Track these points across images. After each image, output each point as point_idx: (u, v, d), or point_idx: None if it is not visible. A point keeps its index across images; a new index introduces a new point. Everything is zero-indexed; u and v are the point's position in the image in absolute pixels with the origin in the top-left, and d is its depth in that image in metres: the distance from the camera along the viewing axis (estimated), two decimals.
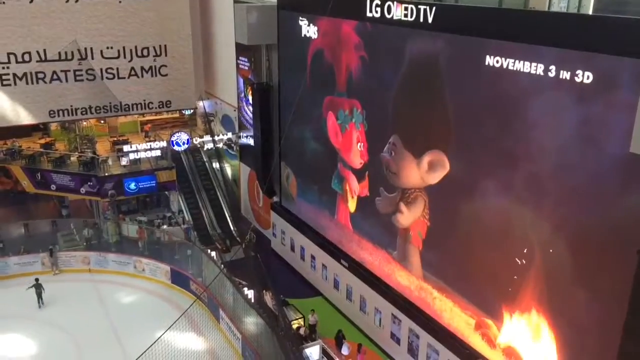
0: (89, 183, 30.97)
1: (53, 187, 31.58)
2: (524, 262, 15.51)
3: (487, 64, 15.58)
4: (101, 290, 26.52)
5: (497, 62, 15.28)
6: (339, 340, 20.86)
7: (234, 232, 32.18)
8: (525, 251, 15.45)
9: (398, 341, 20.87)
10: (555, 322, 15.00)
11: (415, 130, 19.06)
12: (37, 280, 25.19)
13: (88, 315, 24.44)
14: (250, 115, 30.26)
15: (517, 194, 15.50)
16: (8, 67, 29.03)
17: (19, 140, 33.09)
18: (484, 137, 16.30)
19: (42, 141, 33.51)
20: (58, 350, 22.07)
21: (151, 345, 15.35)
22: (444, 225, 18.41)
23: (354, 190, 22.70)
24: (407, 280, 20.32)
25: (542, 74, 14.17)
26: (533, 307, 15.48)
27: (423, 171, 18.62)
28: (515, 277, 15.85)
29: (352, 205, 22.93)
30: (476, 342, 17.52)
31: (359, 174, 22.35)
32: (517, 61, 14.76)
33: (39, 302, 25.04)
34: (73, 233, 30.48)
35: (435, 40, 17.42)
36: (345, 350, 20.35)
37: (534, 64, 14.35)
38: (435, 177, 18.18)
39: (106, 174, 31.11)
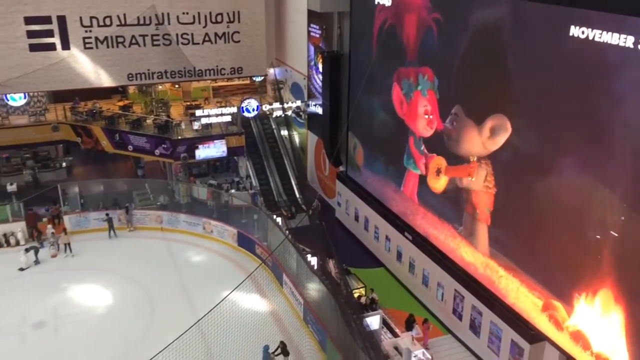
0: (163, 145, 32.15)
1: (130, 148, 33.03)
2: (599, 242, 14.86)
3: (571, 34, 14.75)
4: (172, 248, 27.72)
5: (583, 33, 14.43)
6: (410, 323, 20.60)
7: (299, 199, 32.62)
8: (600, 232, 14.79)
9: (460, 317, 20.69)
10: (629, 309, 14.37)
11: (477, 98, 18.68)
12: (107, 215, 28.12)
13: (160, 270, 25.68)
14: (320, 83, 30.23)
15: (597, 171, 14.77)
16: (91, 31, 30.20)
17: (100, 102, 34.63)
18: (561, 110, 15.58)
19: (121, 103, 34.94)
20: (132, 302, 23.37)
21: (218, 304, 15.95)
22: (514, 202, 17.89)
23: (423, 164, 22.37)
24: (472, 256, 19.99)
25: (631, 46, 13.28)
26: (605, 291, 14.87)
27: (485, 137, 18.24)
28: (588, 258, 15.25)
29: (441, 183, 21.68)
30: (542, 323, 17.09)
31: (428, 144, 21.97)
32: (604, 32, 13.89)
33: (109, 233, 27.92)
34: (147, 193, 31.88)
35: (509, 6, 16.77)
36: (414, 332, 20.19)
37: (622, 36, 13.46)
38: (497, 142, 17.84)
39: (179, 137, 32.15)
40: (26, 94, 32.48)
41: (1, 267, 25.46)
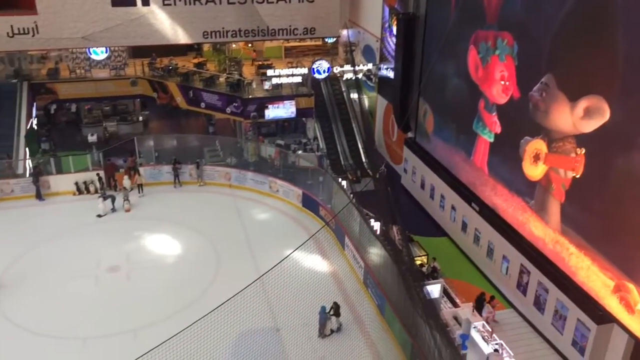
0: (234, 104, 32.70)
1: (202, 105, 33.84)
2: None
3: None
4: (239, 204, 28.44)
5: None
6: (480, 302, 20.14)
7: (365, 164, 32.48)
8: None
9: (524, 292, 20.14)
10: None
11: (574, 72, 17.37)
12: (174, 159, 29.35)
13: (226, 225, 26.47)
14: (393, 46, 29.53)
15: None
16: None
17: (176, 59, 35.49)
18: None
19: (196, 60, 35.67)
20: (199, 254, 24.29)
21: (281, 262, 16.23)
22: (593, 180, 16.93)
23: (494, 124, 21.52)
24: (543, 232, 19.26)
25: None
26: None
27: (577, 117, 17.07)
28: None
29: (538, 172, 19.40)
30: (612, 305, 16.36)
31: (501, 111, 21.10)
32: None
33: (175, 182, 29.21)
34: (217, 149, 32.69)
35: None
36: (484, 313, 19.78)
37: None
38: (590, 125, 16.61)
39: (250, 97, 32.56)
40: (107, 49, 33.68)
41: (81, 213, 27.04)
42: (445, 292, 20.92)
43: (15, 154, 30.24)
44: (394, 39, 29.05)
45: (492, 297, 20.32)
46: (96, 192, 28.28)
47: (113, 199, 27.23)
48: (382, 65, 32.03)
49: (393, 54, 29.47)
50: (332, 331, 19.61)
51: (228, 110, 33.09)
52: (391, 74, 30.07)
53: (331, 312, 19.47)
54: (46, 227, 25.94)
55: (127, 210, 27.25)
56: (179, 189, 29.66)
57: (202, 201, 28.75)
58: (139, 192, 28.27)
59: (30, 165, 30.50)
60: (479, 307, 20.03)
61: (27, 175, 29.45)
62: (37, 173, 28.30)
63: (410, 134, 29.18)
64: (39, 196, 28.13)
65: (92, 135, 34.45)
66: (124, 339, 19.13)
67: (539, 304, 19.40)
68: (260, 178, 29.44)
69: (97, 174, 28.86)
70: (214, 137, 34.56)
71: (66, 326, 19.74)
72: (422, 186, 27.82)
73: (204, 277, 22.55)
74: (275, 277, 16.85)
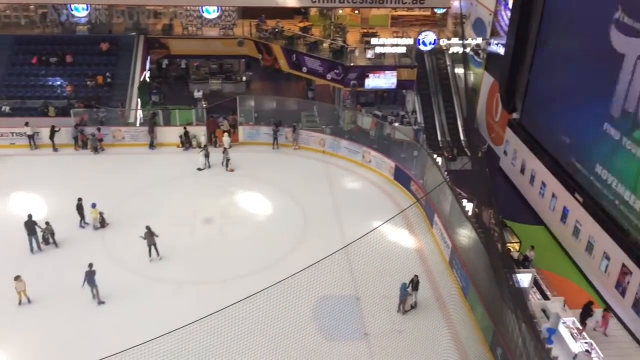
0: (335, 70, 32.64)
1: (304, 69, 34.08)
2: None
3: None
4: (331, 171, 28.67)
5: None
6: (587, 311, 18.78)
7: (463, 142, 31.46)
8: None
9: (623, 293, 18.87)
10: None
11: None
12: (275, 121, 30.05)
13: (316, 191, 26.83)
14: (507, 20, 27.99)
15: None
16: None
17: (282, 22, 35.83)
18: None
19: (301, 24, 35.83)
20: (288, 215, 24.87)
21: (368, 233, 16.24)
22: None
23: None
24: None
25: None
26: None
27: None
28: None
29: None
30: None
31: None
32: None
33: (273, 143, 30.17)
34: (315, 115, 32.95)
35: None
36: (591, 323, 18.54)
37: None
38: None
39: (351, 64, 32.33)
40: (219, 8, 34.63)
41: (182, 165, 28.46)
42: (535, 282, 20.08)
43: (128, 103, 32.18)
44: (509, 13, 27.50)
45: (605, 309, 18.94)
46: (198, 146, 29.53)
47: (207, 155, 28.18)
48: (492, 40, 30.53)
49: (506, 29, 27.96)
50: (411, 307, 19.51)
51: (328, 76, 33.11)
52: (501, 50, 28.62)
53: (410, 287, 19.30)
54: (151, 174, 27.62)
55: (231, 170, 28.08)
56: (276, 150, 30.36)
57: (295, 165, 29.26)
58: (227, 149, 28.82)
59: (141, 116, 32.43)
60: (585, 316, 18.55)
61: (137, 124, 31.34)
62: (153, 124, 29.97)
63: (515, 115, 27.79)
64: (151, 145, 29.85)
65: (198, 91, 35.87)
66: (212, 287, 20.14)
67: (638, 307, 18.12)
68: (355, 147, 29.41)
69: (185, 130, 30.05)
70: (312, 103, 34.82)
71: (162, 269, 21.06)
72: (522, 170, 26.56)
73: (291, 239, 23.11)
74: (360, 247, 16.91)
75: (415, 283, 19.40)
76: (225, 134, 29.69)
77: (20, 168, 27.83)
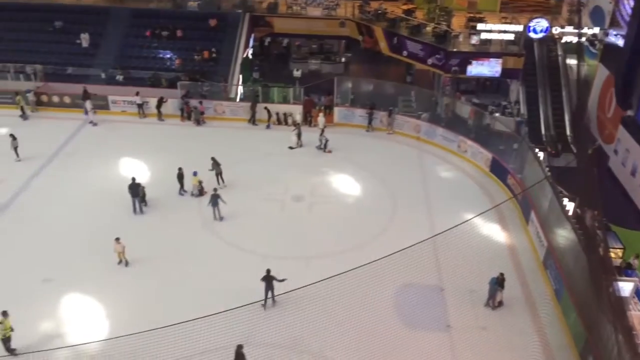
0: (436, 55, 31.79)
1: (405, 53, 33.49)
2: None
3: None
4: (424, 158, 28.12)
5: None
6: None
7: (569, 137, 29.63)
8: None
9: None
10: None
11: None
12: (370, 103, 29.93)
13: (408, 177, 26.45)
14: (629, 10, 25.85)
15: None
16: None
17: (386, 4, 35.32)
18: None
19: (405, 7, 35.13)
20: (377, 199, 24.74)
21: (458, 225, 15.77)
22: None
23: None
24: None
25: None
26: None
27: None
28: None
29: None
30: None
31: None
32: None
33: (368, 126, 29.90)
34: (412, 100, 32.36)
35: None
36: None
37: None
38: None
39: (454, 50, 31.33)
40: None
41: (276, 143, 29.06)
42: (637, 292, 18.65)
43: (231, 79, 33.25)
44: (632, 2, 25.36)
45: None
46: (293, 125, 30.00)
47: (299, 134, 28.52)
48: (611, 31, 28.33)
49: (627, 19, 25.83)
50: (500, 304, 18.81)
51: (429, 61, 32.31)
52: (620, 42, 26.51)
53: (496, 284, 18.60)
54: (247, 149, 28.49)
55: (329, 152, 28.11)
56: (369, 133, 30.21)
57: (388, 149, 28.98)
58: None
59: (242, 91, 33.41)
60: None
61: (238, 99, 32.33)
62: (255, 100, 30.76)
63: (630, 112, 25.74)
64: (252, 121, 30.66)
65: (297, 70, 36.36)
66: (297, 264, 20.52)
67: None
68: (451, 135, 28.60)
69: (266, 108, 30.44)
70: (410, 87, 34.21)
71: (250, 241, 21.75)
72: (633, 173, 24.66)
73: (379, 223, 22.99)
74: (449, 238, 16.48)
75: (500, 281, 18.67)
76: (321, 114, 29.92)
77: (128, 134, 29.73)
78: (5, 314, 16.42)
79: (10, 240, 21.61)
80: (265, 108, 30.40)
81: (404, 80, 36.66)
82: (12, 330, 16.44)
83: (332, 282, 14.56)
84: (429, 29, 33.03)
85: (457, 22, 33.96)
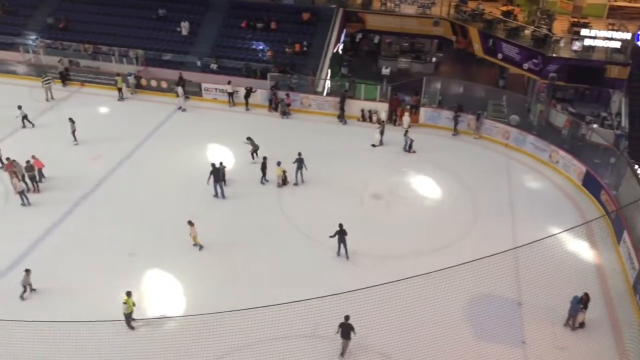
0: (533, 60, 30.46)
1: (499, 56, 32.35)
2: None
3: None
4: (511, 166, 27.05)
5: None
6: None
7: None
8: None
9: None
10: None
11: None
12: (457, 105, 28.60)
13: (492, 183, 25.51)
14: None
15: None
16: None
17: (484, 4, 34.24)
18: None
19: (504, 8, 33.91)
20: (458, 204, 24.07)
21: (544, 238, 15.06)
22: None
23: None
24: None
25: None
26: None
27: None
28: None
29: None
30: None
31: None
32: None
33: (454, 129, 29.13)
34: (503, 105, 31.20)
35: None
36: None
37: None
38: None
39: (553, 55, 29.86)
40: None
41: (359, 139, 29.00)
42: None
43: (319, 73, 33.55)
44: None
45: None
46: (378, 122, 29.81)
47: (382, 132, 28.28)
48: None
49: None
50: (581, 325, 17.79)
51: (525, 65, 30.99)
52: None
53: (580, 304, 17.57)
54: (329, 143, 28.67)
55: (413, 152, 27.66)
56: (455, 136, 29.47)
57: (473, 154, 28.13)
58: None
59: (329, 86, 33.63)
60: None
61: (324, 94, 32.57)
62: (344, 96, 30.87)
63: None
64: (341, 117, 30.79)
65: (386, 68, 36.10)
66: (371, 261, 20.44)
67: None
68: (542, 144, 27.29)
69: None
70: (502, 92, 32.96)
71: (327, 234, 21.85)
72: None
73: (458, 228, 22.41)
74: (532, 251, 15.79)
75: (585, 301, 17.62)
76: (406, 113, 29.54)
77: (217, 121, 30.77)
78: (129, 294, 17.32)
79: (103, 212, 23.03)
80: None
81: (496, 83, 35.43)
82: (134, 305, 17.30)
83: (404, 284, 14.35)
84: (527, 32, 31.68)
85: (559, 27, 32.34)
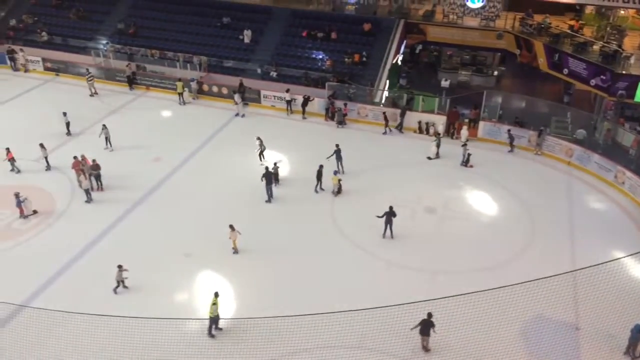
0: (601, 77, 29.29)
1: (565, 71, 31.30)
2: None
3: None
4: (573, 185, 26.08)
5: None
6: None
7: None
8: None
9: None
10: None
11: None
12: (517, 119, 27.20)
13: (552, 203, 24.61)
14: None
15: None
16: None
17: (551, 17, 33.27)
18: None
19: (572, 22, 32.83)
20: (515, 222, 23.36)
21: (606, 262, 14.42)
22: None
23: None
24: None
25: None
26: None
27: None
28: None
29: None
30: None
31: None
32: None
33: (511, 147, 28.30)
34: (567, 122, 30.17)
35: None
36: None
37: None
38: None
39: (622, 72, 28.63)
40: None
41: (414, 151, 28.71)
42: None
43: (377, 83, 33.47)
44: None
45: None
46: (435, 135, 29.40)
47: (438, 144, 27.87)
48: None
49: None
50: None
51: (592, 82, 29.84)
52: None
53: None
54: (384, 154, 28.55)
55: (470, 167, 27.18)
56: (513, 152, 28.68)
57: (534, 171, 27.29)
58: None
59: (386, 96, 33.49)
60: None
61: (382, 105, 32.45)
62: (406, 109, 30.67)
63: None
64: (400, 127, 30.60)
65: (445, 80, 35.61)
66: (421, 275, 20.11)
67: None
68: (608, 164, 26.16)
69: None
70: (566, 108, 31.83)
71: (377, 246, 21.69)
72: None
73: (514, 247, 21.75)
74: (592, 275, 15.14)
75: None
76: (464, 127, 29.01)
77: (274, 128, 31.13)
78: (217, 294, 17.45)
79: (160, 213, 23.73)
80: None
81: (560, 99, 34.25)
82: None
83: (456, 301, 14.06)
84: (596, 47, 30.53)
85: (630, 43, 31.03)
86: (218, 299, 17.39)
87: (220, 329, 17.56)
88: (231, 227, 20.89)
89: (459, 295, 13.36)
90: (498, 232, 22.83)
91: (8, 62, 38.20)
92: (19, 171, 26.22)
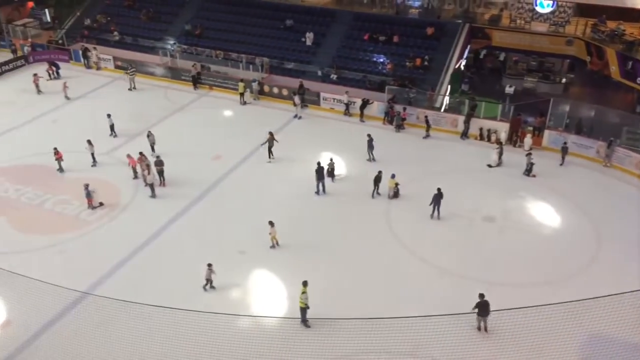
0: None
1: (639, 80, 29.83)
2: None
3: None
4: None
5: None
6: None
7: None
8: None
9: None
10: None
11: None
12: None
13: (622, 218, 23.32)
14: None
15: None
16: None
17: (625, 24, 31.81)
18: None
19: None
20: (580, 236, 22.40)
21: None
22: None
23: None
24: None
25: None
26: None
27: None
28: None
29: None
30: None
31: None
32: None
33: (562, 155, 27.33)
34: (639, 133, 28.67)
35: None
36: None
37: None
38: None
39: None
40: (555, 2, 32.49)
41: (475, 158, 28.05)
42: None
43: (438, 88, 32.97)
44: None
45: None
46: (497, 143, 28.62)
47: (500, 153, 27.11)
48: None
49: None
50: None
51: None
52: None
53: None
54: (444, 161, 28.05)
55: (533, 176, 26.31)
56: (581, 162, 27.50)
57: (601, 183, 26.13)
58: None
59: (447, 102, 32.91)
60: None
61: (442, 110, 31.91)
62: (471, 114, 30.10)
63: None
64: (464, 134, 30.04)
65: (510, 87, 34.66)
66: (477, 286, 19.55)
67: None
68: None
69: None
70: (639, 119, 30.29)
71: (431, 253, 21.33)
72: None
73: (577, 262, 20.88)
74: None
75: None
76: (528, 135, 28.12)
77: (331, 130, 31.23)
78: (305, 283, 17.58)
79: (219, 209, 24.28)
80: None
81: (633, 110, 32.64)
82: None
83: (512, 314, 13.65)
84: None
85: None
86: (307, 287, 17.51)
87: (308, 325, 17.54)
88: (271, 223, 21.24)
89: (516, 309, 12.95)
90: (561, 245, 21.95)
91: (82, 59, 40.11)
92: (62, 170, 26.82)
